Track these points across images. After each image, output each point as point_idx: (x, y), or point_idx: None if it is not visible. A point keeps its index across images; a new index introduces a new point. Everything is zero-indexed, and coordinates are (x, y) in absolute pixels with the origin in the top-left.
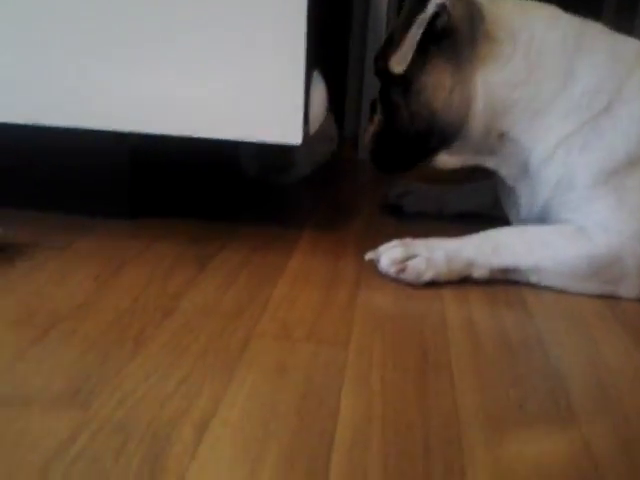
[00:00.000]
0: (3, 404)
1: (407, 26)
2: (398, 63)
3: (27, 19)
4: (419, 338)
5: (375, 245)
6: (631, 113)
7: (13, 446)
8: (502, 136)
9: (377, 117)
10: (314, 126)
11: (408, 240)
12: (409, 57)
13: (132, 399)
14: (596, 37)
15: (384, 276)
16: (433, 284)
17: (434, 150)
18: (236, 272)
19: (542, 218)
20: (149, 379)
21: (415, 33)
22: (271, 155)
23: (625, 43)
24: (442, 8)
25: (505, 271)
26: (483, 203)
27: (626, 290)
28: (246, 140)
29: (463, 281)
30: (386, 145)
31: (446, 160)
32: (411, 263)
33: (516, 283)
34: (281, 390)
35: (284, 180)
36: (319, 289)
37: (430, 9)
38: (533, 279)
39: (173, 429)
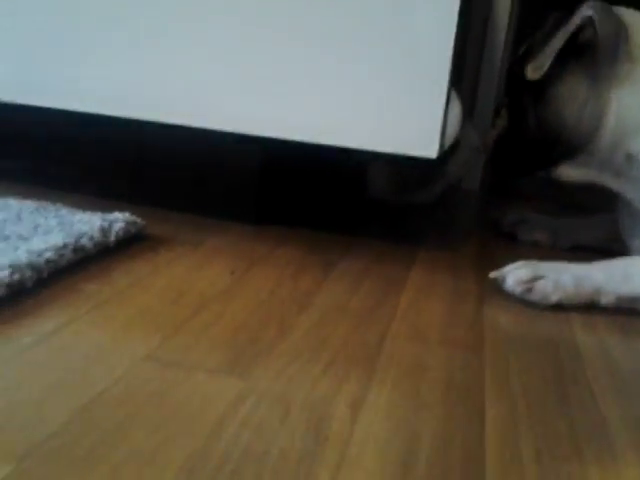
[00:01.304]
0: (171, 367)
1: (549, 35)
2: (535, 69)
3: (173, 18)
4: (553, 354)
5: (492, 267)
6: None
7: (185, 404)
8: (630, 158)
9: (501, 122)
10: (448, 142)
11: (535, 261)
12: (547, 65)
13: (285, 376)
14: None
15: (507, 296)
16: (558, 308)
17: (556, 160)
18: (360, 279)
19: None
20: (297, 360)
21: (557, 42)
22: (408, 173)
23: None
24: (588, 21)
25: (634, 300)
26: (600, 236)
27: None
28: (381, 151)
29: (588, 307)
30: (508, 150)
31: (567, 172)
32: (538, 284)
33: None
34: (424, 384)
35: (421, 199)
36: (443, 301)
37: (576, 20)
38: None
39: (329, 405)
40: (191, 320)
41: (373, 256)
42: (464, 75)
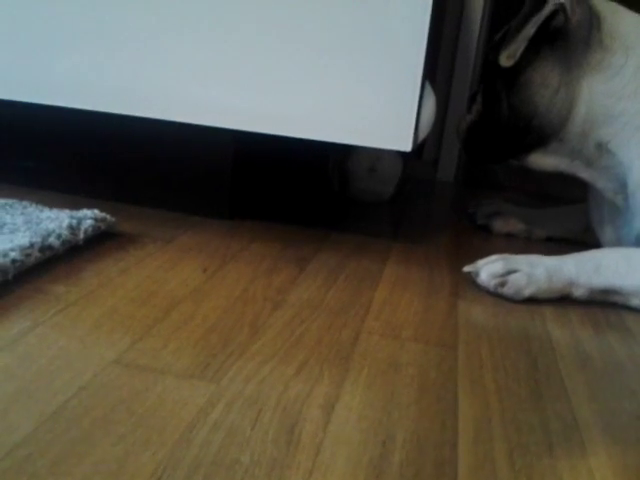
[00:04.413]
0: (141, 372)
1: (523, 23)
2: (508, 57)
3: (142, 10)
4: (526, 349)
5: (467, 260)
6: None
7: (154, 410)
8: (600, 147)
9: (475, 108)
10: (422, 134)
11: (508, 255)
12: (519, 52)
13: (258, 378)
14: None
15: (481, 289)
16: (531, 301)
17: (528, 148)
18: (335, 274)
19: None
20: (270, 361)
21: (530, 29)
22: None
23: None
24: (560, 8)
25: (606, 292)
26: (573, 228)
27: None
28: (355, 144)
29: (561, 300)
30: (481, 136)
31: (539, 160)
32: (511, 278)
33: (614, 306)
34: (398, 383)
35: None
36: (418, 296)
37: (548, 8)
38: (634, 302)
39: (302, 407)
40: (161, 322)
41: (348, 250)
42: (438, 64)
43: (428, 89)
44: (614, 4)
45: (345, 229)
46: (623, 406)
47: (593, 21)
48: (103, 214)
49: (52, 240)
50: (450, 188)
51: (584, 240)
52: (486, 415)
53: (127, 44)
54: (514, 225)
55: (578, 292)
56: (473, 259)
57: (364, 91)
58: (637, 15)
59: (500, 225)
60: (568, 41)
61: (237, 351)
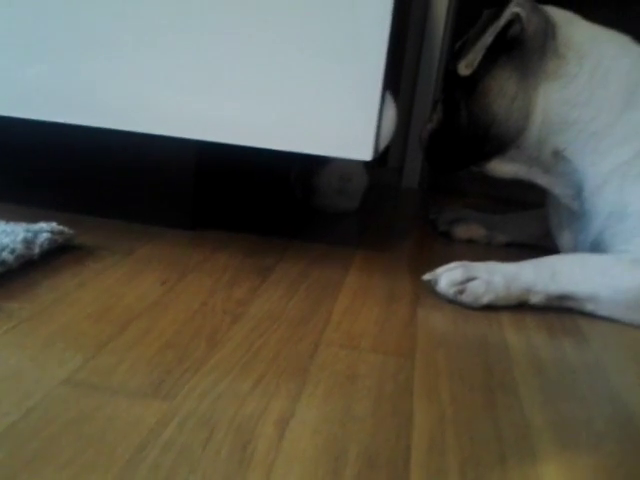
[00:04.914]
0: (92, 391)
1: (481, 32)
2: (466, 66)
3: (101, 19)
4: (482, 357)
5: (428, 267)
6: None
7: (104, 431)
8: (556, 154)
9: (437, 116)
10: (383, 144)
11: (467, 262)
12: (477, 61)
13: (213, 394)
14: None
15: (440, 297)
16: (490, 308)
17: (488, 155)
18: (296, 284)
19: (595, 246)
20: (227, 377)
21: (487, 39)
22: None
23: None
24: (516, 17)
25: (562, 298)
26: (533, 233)
27: None
28: (317, 154)
29: (519, 307)
30: (442, 144)
31: (498, 167)
32: (470, 285)
33: (570, 311)
34: (354, 395)
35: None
36: (379, 304)
37: (504, 17)
38: (589, 307)
39: (256, 424)
40: (116, 338)
41: (311, 259)
42: (402, 73)
43: (388, 99)
44: (569, 13)
45: (308, 237)
46: (574, 412)
47: (548, 30)
48: (61, 227)
49: (5, 255)
50: (415, 195)
51: (545, 245)
52: (440, 426)
53: (85, 53)
54: (475, 231)
55: (535, 298)
56: (435, 266)
57: (325, 101)
58: (591, 24)
59: (461, 231)
60: (524, 50)
61: (193, 367)
